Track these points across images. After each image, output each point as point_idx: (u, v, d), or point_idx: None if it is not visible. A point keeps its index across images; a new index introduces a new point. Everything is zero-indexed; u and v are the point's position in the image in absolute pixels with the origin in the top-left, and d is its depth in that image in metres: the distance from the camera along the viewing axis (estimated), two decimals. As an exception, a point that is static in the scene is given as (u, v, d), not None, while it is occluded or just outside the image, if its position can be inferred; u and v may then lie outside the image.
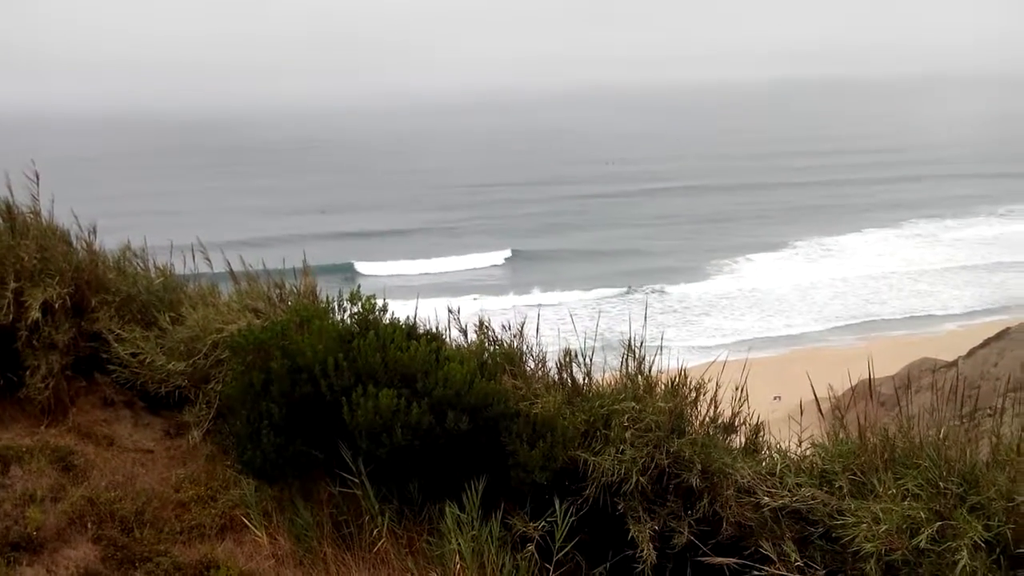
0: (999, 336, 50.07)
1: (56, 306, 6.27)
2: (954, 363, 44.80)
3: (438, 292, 46.29)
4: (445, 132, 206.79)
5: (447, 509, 4.92)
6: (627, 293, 60.63)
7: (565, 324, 6.99)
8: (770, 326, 58.32)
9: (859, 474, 4.99)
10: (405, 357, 5.27)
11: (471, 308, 6.94)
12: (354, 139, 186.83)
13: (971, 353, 47.33)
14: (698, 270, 73.03)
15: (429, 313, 6.18)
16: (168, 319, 6.51)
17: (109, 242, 7.27)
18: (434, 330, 5.96)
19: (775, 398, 35.90)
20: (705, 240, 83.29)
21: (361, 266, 69.28)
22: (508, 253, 75.74)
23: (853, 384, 6.61)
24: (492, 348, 6.04)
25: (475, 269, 72.25)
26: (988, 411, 5.65)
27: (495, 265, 73.79)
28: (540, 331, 6.21)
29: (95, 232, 6.99)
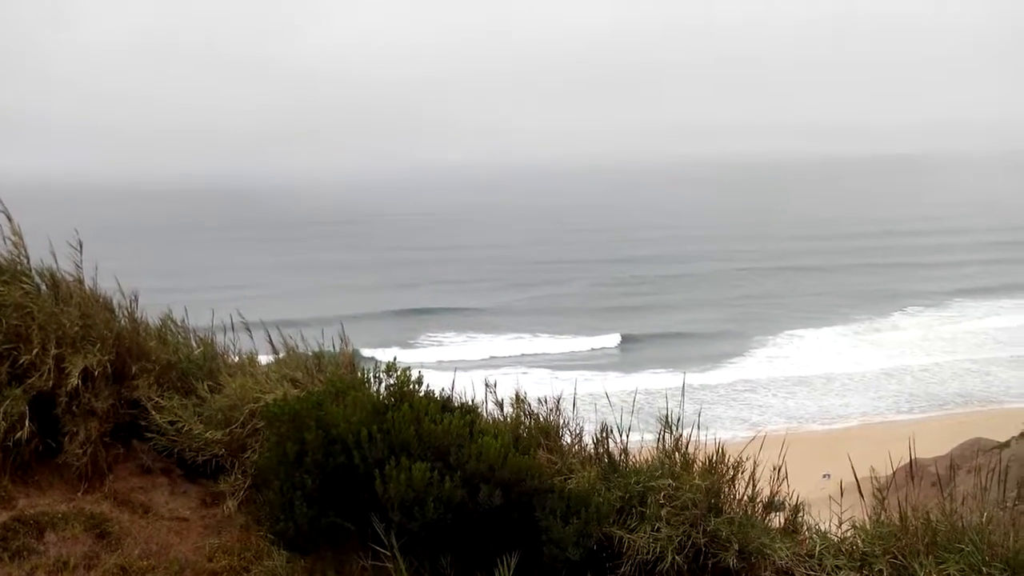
0: (1054, 417, 49.17)
1: (96, 373, 6.30)
2: (1007, 444, 44.00)
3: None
4: (482, 206, 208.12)
5: (479, 584, 4.87)
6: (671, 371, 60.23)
7: (605, 400, 6.94)
8: (823, 403, 57.77)
9: (900, 558, 4.88)
10: (439, 430, 5.24)
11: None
12: (392, 213, 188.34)
13: (1024, 434, 46.57)
14: (744, 346, 72.72)
15: (466, 385, 6.16)
16: (207, 388, 6.53)
17: (154, 311, 7.34)
18: (469, 403, 5.93)
19: (824, 476, 35.44)
20: (755, 315, 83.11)
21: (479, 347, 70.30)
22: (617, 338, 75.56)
23: (897, 464, 6.51)
24: (528, 421, 6.00)
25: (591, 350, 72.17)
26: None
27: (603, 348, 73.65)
28: (576, 405, 6.17)
29: (137, 300, 7.06)
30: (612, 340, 74.18)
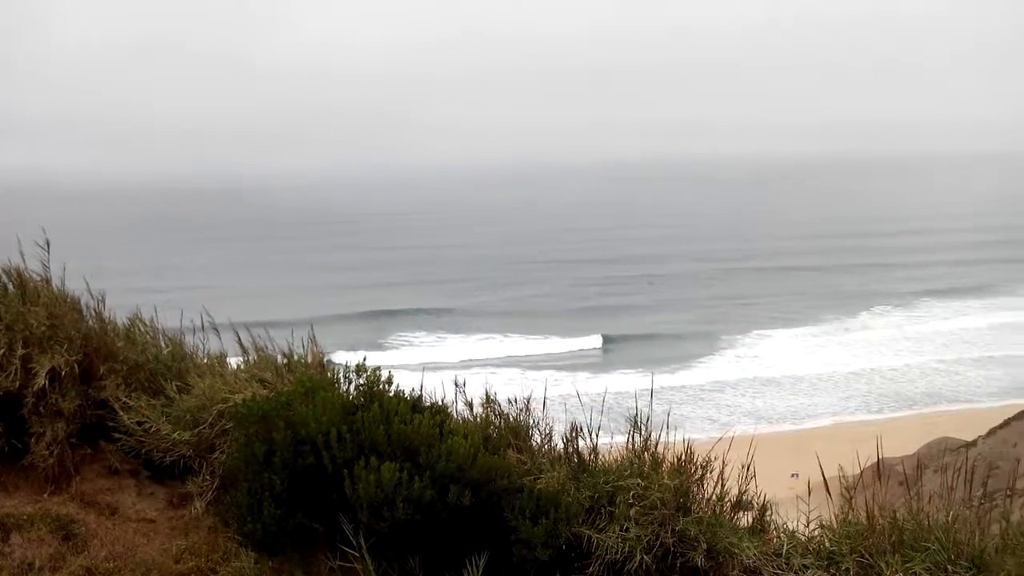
0: (1020, 416, 49.58)
1: (63, 373, 6.25)
2: (973, 443, 44.33)
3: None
4: (458, 205, 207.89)
5: (448, 585, 4.87)
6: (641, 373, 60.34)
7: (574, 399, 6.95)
8: (792, 403, 58.06)
9: (867, 556, 4.92)
10: (408, 430, 5.24)
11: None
12: (367, 212, 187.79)
13: (991, 433, 46.90)
14: (714, 346, 73.02)
15: (436, 386, 6.16)
16: (175, 388, 6.49)
17: (124, 311, 7.29)
18: (440, 403, 5.93)
19: (793, 475, 35.60)
20: (725, 316, 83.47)
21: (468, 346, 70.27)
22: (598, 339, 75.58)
23: (865, 464, 6.53)
24: (498, 421, 6.01)
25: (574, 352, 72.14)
26: (1008, 492, 5.58)
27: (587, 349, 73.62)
28: (546, 405, 6.18)
29: (104, 300, 7.01)
30: (586, 341, 74.24)
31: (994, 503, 5.29)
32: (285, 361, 6.68)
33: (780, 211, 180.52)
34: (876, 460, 6.22)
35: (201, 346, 7.27)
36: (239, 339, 7.10)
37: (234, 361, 7.00)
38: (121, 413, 6.38)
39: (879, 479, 5.45)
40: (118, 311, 7.20)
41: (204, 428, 6.19)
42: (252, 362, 6.76)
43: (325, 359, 6.74)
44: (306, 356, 6.73)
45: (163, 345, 7.08)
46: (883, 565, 4.77)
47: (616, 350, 71.70)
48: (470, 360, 65.50)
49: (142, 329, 7.21)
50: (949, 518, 4.97)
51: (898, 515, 5.06)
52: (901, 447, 34.74)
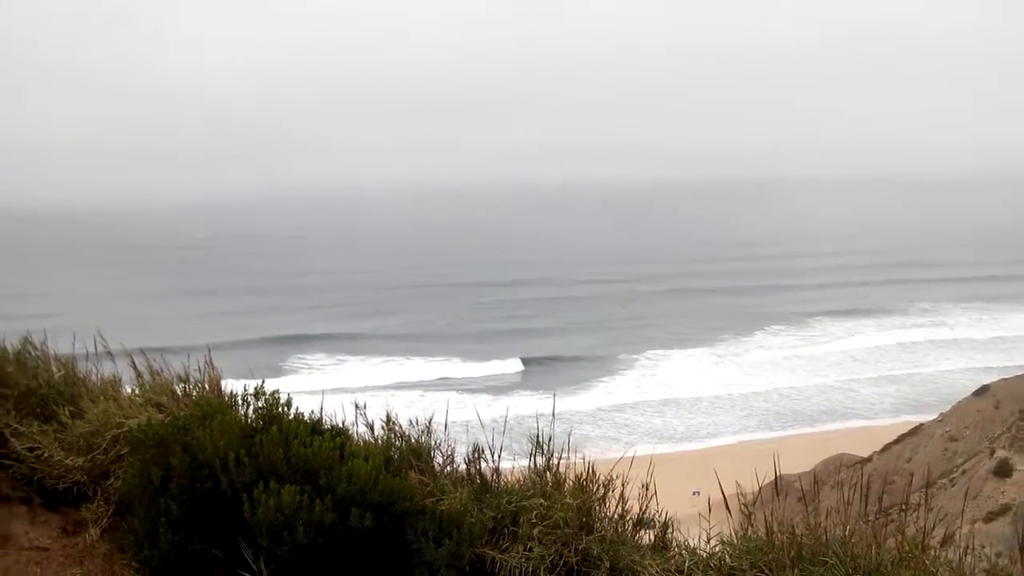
0: (913, 432, 50.90)
1: (-51, 400, 6.08)
2: (869, 459, 45.32)
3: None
4: (346, 229, 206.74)
5: (350, 610, 4.81)
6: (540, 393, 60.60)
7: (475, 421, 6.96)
8: (692, 422, 58.74)
9: (767, 571, 4.97)
10: (308, 453, 5.18)
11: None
12: (254, 235, 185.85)
13: (885, 448, 48.07)
14: (613, 367, 73.59)
15: (337, 408, 6.11)
16: (68, 413, 6.34)
17: (13, 336, 7.12)
18: (340, 425, 5.88)
19: (694, 493, 36.09)
20: (624, 338, 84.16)
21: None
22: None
23: (764, 481, 6.63)
24: (399, 443, 5.97)
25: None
26: (903, 506, 5.70)
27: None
28: (448, 426, 6.16)
29: (-7, 325, 6.84)
30: (490, 366, 74.41)
31: (890, 517, 5.39)
32: (182, 385, 6.56)
33: (662, 234, 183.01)
34: (775, 477, 6.31)
35: (95, 371, 7.12)
36: (134, 364, 6.97)
37: (129, 387, 6.87)
38: (12, 439, 6.21)
39: (778, 496, 5.52)
40: (7, 336, 7.02)
41: (98, 454, 6.05)
42: (147, 386, 6.64)
43: (223, 383, 6.65)
44: (203, 380, 6.62)
45: (55, 370, 6.92)
46: (782, 580, 4.83)
47: (524, 372, 71.98)
48: (369, 385, 65.23)
49: (33, 354, 7.04)
50: (846, 532, 5.05)
51: (797, 530, 5.13)
52: (800, 463, 35.39)
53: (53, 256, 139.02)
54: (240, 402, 5.83)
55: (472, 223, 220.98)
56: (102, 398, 6.43)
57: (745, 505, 5.70)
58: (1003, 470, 40.83)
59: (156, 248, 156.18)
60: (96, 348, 7.31)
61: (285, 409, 5.69)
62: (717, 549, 5.33)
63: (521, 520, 5.31)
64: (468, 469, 5.90)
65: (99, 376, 7.05)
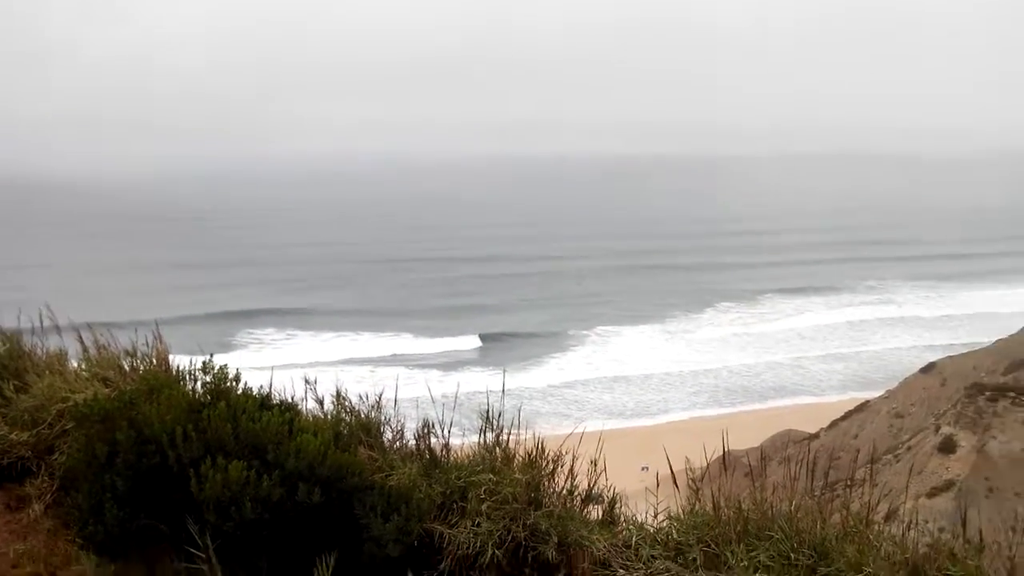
0: (860, 408, 51.49)
1: None
2: (816, 435, 45.80)
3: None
4: (308, 202, 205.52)
5: (297, 585, 4.79)
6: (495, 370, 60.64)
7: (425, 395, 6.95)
8: (643, 399, 59.04)
9: (713, 546, 5.01)
10: (257, 428, 5.15)
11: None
12: (210, 209, 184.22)
13: (832, 425, 48.66)
14: (565, 343, 73.80)
15: (286, 384, 6.07)
16: (12, 388, 6.27)
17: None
18: (289, 400, 5.85)
19: (643, 468, 36.35)
20: (574, 314, 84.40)
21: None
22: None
23: (712, 456, 6.68)
24: (349, 419, 5.95)
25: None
26: (848, 482, 5.76)
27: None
28: (398, 402, 6.15)
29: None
30: (449, 342, 74.32)
31: (835, 493, 5.46)
32: (129, 360, 6.51)
33: (620, 211, 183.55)
34: (723, 453, 6.35)
35: (40, 345, 7.04)
36: (80, 338, 6.89)
37: (75, 361, 6.79)
38: (-46, 415, 6.14)
39: (725, 471, 5.57)
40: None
41: (43, 428, 6.00)
42: (94, 361, 6.58)
43: (171, 358, 6.59)
44: (151, 355, 6.57)
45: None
46: (729, 554, 4.87)
47: (482, 348, 71.98)
48: (320, 360, 64.95)
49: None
50: (792, 508, 5.10)
51: (743, 506, 5.18)
52: (749, 439, 35.69)
53: (10, 228, 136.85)
54: (188, 377, 5.79)
55: (458, 196, 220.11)
56: (48, 372, 6.37)
57: (693, 480, 5.75)
58: (948, 446, 41.45)
59: (122, 219, 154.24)
60: (42, 322, 7.21)
61: (233, 384, 5.66)
62: (664, 524, 5.37)
63: (470, 495, 5.32)
64: (418, 445, 5.90)
65: (45, 350, 6.97)
